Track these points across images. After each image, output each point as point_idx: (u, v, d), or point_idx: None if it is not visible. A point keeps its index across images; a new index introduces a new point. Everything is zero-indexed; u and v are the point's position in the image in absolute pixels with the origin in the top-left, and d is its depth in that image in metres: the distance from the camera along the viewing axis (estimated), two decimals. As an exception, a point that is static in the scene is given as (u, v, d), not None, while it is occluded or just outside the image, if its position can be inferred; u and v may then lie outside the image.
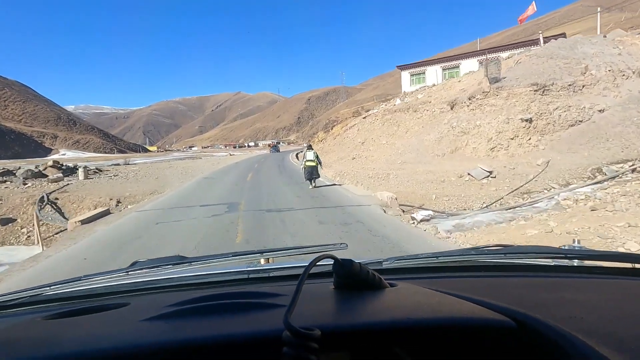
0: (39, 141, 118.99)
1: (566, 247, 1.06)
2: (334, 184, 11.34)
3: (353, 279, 0.57)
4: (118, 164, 27.97)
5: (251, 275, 0.97)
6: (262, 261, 1.18)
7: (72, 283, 0.95)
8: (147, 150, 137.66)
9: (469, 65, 32.32)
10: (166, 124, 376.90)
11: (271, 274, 0.98)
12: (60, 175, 14.19)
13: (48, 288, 0.92)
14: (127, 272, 0.99)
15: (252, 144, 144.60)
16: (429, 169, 10.78)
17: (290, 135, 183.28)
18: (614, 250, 2.60)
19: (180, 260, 1.05)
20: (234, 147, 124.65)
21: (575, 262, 0.96)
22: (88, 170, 16.49)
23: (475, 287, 0.72)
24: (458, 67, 33.90)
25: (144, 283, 0.93)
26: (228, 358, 0.41)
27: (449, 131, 12.26)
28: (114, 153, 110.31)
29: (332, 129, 45.62)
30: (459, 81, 17.74)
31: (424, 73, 35.90)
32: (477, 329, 0.44)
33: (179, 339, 0.42)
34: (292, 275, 0.94)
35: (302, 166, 10.87)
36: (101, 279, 0.96)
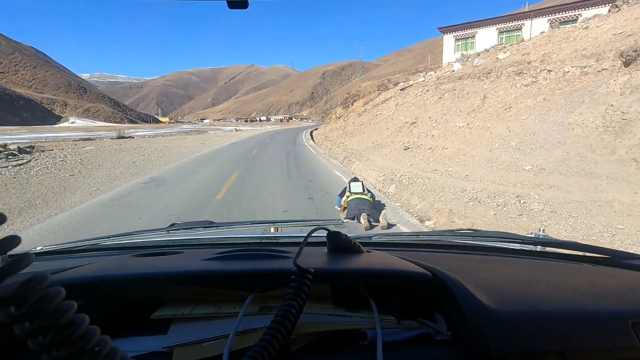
0: (49, 108, 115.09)
1: (532, 235, 1.27)
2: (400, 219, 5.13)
3: (340, 245, 0.77)
4: (89, 139, 22.13)
5: (263, 241, 1.19)
6: (272, 230, 1.41)
7: (126, 236, 1.21)
8: (158, 121, 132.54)
9: (537, 26, 25.00)
10: (179, 95, 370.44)
11: (280, 241, 1.19)
12: None
13: (107, 239, 1.18)
14: (168, 231, 1.27)
15: (263, 118, 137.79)
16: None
17: (303, 110, 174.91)
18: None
19: (209, 224, 1.37)
20: (245, 121, 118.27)
21: (539, 248, 1.13)
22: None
23: (433, 259, 0.89)
24: (520, 29, 26.69)
25: (181, 241, 1.17)
26: (259, 283, 0.61)
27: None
28: (124, 123, 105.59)
29: (352, 104, 38.85)
30: (585, 28, 10.78)
31: (474, 37, 28.63)
32: (408, 277, 0.64)
33: (231, 269, 0.64)
34: (296, 242, 1.10)
35: (340, 206, 5.25)
36: (148, 235, 1.24)
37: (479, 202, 5.63)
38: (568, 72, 8.39)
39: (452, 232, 1.26)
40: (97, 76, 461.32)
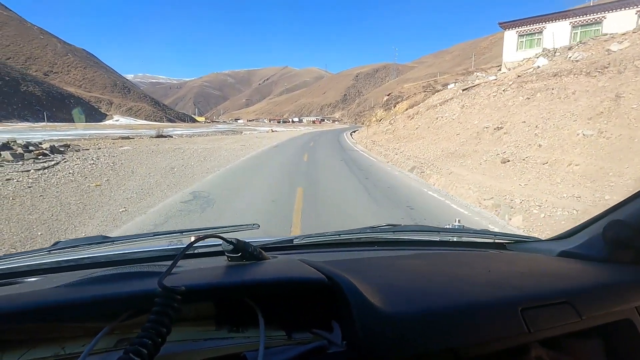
0: (96, 106, 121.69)
1: (449, 226, 1.32)
2: None
3: (240, 253, 0.66)
4: (128, 137, 21.41)
5: (173, 254, 0.99)
6: (192, 238, 1.20)
7: None
8: (194, 121, 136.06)
9: (622, 19, 21.39)
10: (215, 96, 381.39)
11: (187, 252, 1.02)
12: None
13: None
14: (49, 251, 1.00)
15: (296, 119, 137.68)
16: None
17: (335, 112, 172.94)
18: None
19: (102, 239, 1.06)
20: (278, 122, 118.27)
21: (455, 238, 1.19)
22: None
23: (348, 258, 0.85)
24: (600, 22, 23.14)
25: (66, 262, 0.94)
26: (126, 308, 0.50)
27: None
28: (163, 121, 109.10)
29: (395, 106, 36.33)
30: None
31: (541, 32, 25.36)
32: (302, 284, 0.57)
33: (84, 296, 0.50)
34: (205, 252, 0.96)
35: None
36: (22, 259, 0.96)
37: None
38: None
39: (373, 229, 1.23)
40: (140, 77, 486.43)
